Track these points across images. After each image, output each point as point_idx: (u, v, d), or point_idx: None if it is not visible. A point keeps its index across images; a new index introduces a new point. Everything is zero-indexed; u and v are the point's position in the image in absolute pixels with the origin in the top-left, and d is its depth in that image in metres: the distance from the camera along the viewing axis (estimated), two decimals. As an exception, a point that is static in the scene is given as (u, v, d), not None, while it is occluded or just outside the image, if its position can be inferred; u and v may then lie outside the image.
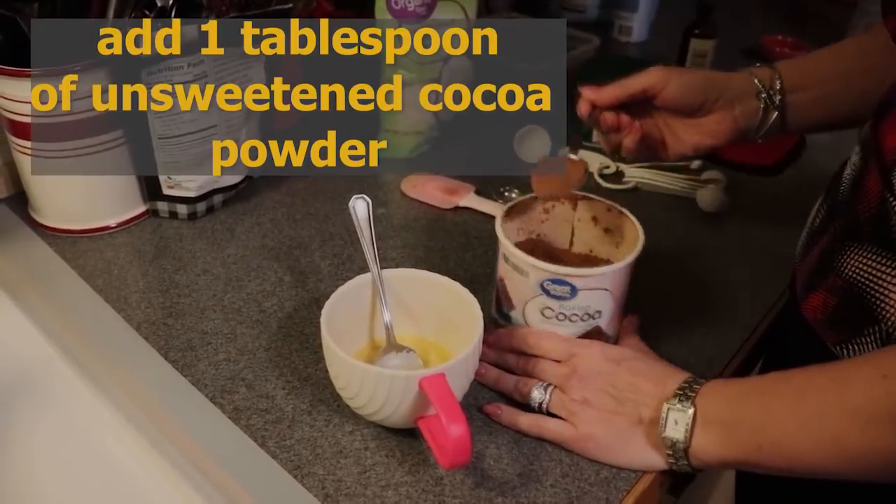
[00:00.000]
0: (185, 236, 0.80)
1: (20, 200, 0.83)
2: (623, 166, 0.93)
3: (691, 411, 0.53)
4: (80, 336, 0.67)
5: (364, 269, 0.63)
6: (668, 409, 0.54)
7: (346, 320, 0.61)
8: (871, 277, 0.55)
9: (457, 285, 0.62)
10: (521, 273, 0.62)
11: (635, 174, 0.92)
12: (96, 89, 0.73)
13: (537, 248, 0.69)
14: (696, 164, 0.94)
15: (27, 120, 0.74)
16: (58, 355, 0.65)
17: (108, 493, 0.55)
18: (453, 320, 0.63)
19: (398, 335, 0.63)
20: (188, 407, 0.61)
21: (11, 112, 0.74)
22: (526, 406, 0.61)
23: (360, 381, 0.55)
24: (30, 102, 0.72)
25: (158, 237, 0.80)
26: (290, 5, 0.80)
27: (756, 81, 0.70)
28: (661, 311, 0.72)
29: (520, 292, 0.63)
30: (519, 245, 0.64)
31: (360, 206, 0.65)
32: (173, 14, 0.81)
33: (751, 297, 0.75)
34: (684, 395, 0.54)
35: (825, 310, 0.60)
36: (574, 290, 0.61)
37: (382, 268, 0.64)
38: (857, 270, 0.56)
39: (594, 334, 0.64)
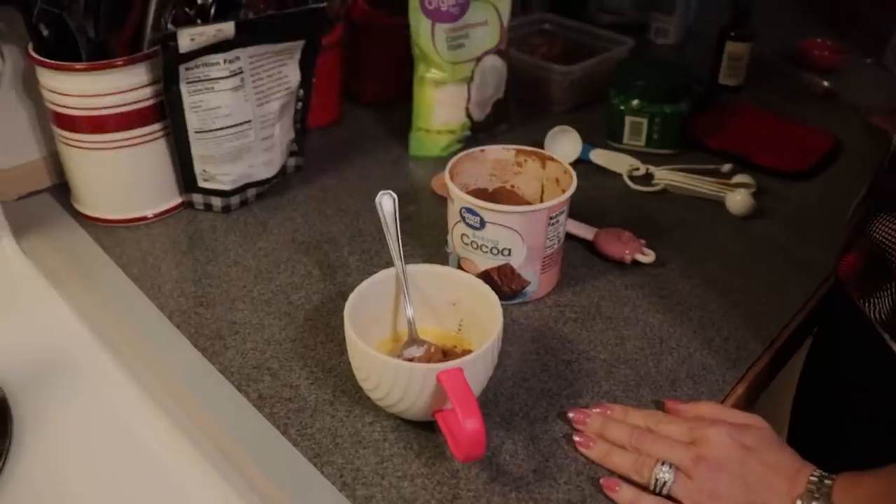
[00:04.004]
0: (218, 228, 0.83)
1: (63, 190, 0.86)
2: (652, 168, 0.93)
3: None
4: (114, 322, 0.69)
5: (391, 264, 0.65)
6: None
7: (370, 313, 0.63)
8: (893, 241, 0.61)
9: (479, 282, 0.64)
10: (451, 200, 0.71)
11: (664, 176, 0.92)
12: (137, 84, 0.76)
13: (510, 197, 0.78)
14: (726, 167, 0.94)
15: (72, 112, 0.76)
16: (93, 339, 0.67)
17: (134, 471, 0.57)
18: (475, 316, 0.64)
19: (421, 329, 0.65)
20: (215, 393, 0.63)
21: (57, 105, 0.77)
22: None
23: (380, 372, 0.57)
24: (75, 95, 0.75)
25: (193, 228, 0.83)
26: (325, 3, 0.82)
27: None
28: (684, 312, 0.73)
29: (450, 217, 0.72)
30: (495, 191, 0.77)
31: (386, 202, 0.67)
32: (213, 11, 0.83)
33: (775, 302, 0.75)
34: (818, 493, 0.53)
35: (855, 269, 0.67)
36: (483, 222, 0.69)
37: (409, 263, 0.65)
38: (884, 235, 0.62)
39: (507, 271, 0.71)
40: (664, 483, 0.55)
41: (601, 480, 0.57)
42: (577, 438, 0.60)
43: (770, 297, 0.76)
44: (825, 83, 1.17)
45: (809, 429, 0.78)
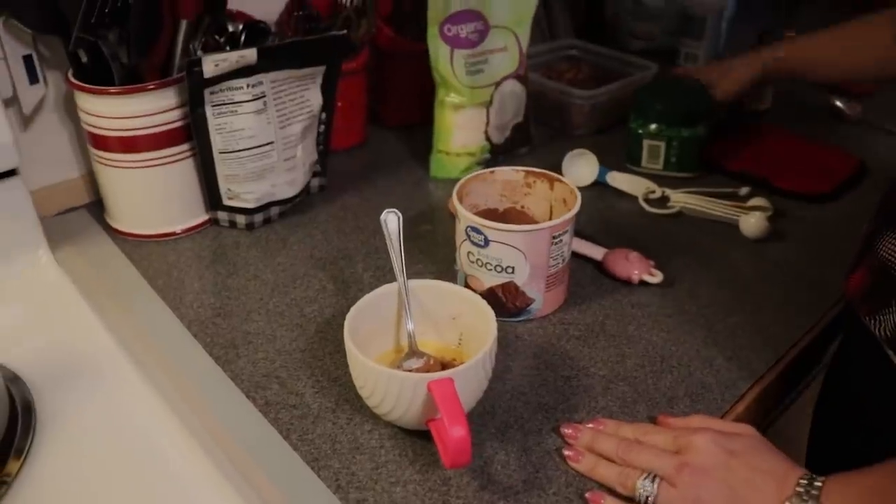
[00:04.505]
0: (241, 244, 0.87)
1: (99, 207, 0.91)
2: (668, 191, 0.94)
3: None
4: (136, 329, 0.73)
5: (399, 279, 0.67)
6: None
7: (372, 325, 0.65)
8: None
9: (476, 297, 0.66)
10: (458, 219, 0.73)
11: (680, 199, 0.93)
12: (166, 107, 0.81)
13: (519, 217, 0.80)
14: (744, 190, 0.94)
15: (105, 133, 0.81)
16: (115, 345, 0.71)
17: (145, 469, 0.60)
18: (474, 331, 0.66)
19: (422, 343, 0.67)
20: (224, 399, 0.66)
21: (93, 126, 0.82)
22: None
23: (375, 380, 0.59)
24: (108, 117, 0.80)
25: (217, 244, 0.87)
26: (345, 31, 0.85)
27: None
28: (688, 332, 0.74)
29: (457, 235, 0.75)
30: (505, 211, 0.80)
31: (391, 220, 0.70)
32: (243, 39, 0.88)
33: (783, 323, 0.75)
34: (808, 495, 0.53)
35: (862, 287, 0.67)
36: (487, 241, 0.71)
37: (416, 279, 0.68)
38: (890, 253, 0.63)
39: (511, 288, 0.73)
40: (647, 496, 0.56)
41: (587, 494, 0.58)
42: (566, 452, 0.61)
43: (778, 317, 0.76)
44: (855, 107, 1.17)
45: (827, 451, 0.78)
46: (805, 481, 0.54)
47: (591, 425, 0.63)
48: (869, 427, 0.70)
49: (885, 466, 0.53)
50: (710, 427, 0.60)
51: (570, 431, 0.62)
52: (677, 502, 0.55)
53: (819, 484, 0.53)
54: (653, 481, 0.56)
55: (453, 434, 0.54)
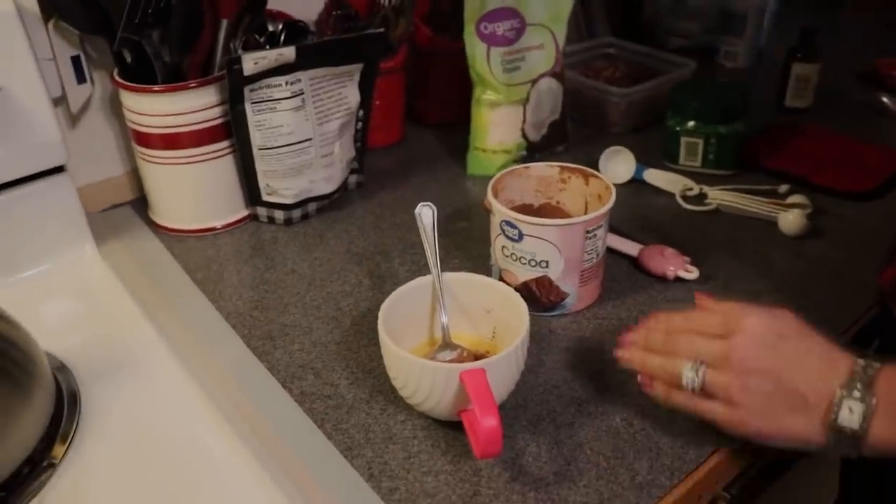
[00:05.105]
0: (279, 239, 0.88)
1: (143, 203, 0.93)
2: (706, 188, 0.94)
3: (873, 401, 0.50)
4: (176, 321, 0.75)
5: (435, 273, 0.68)
6: (843, 396, 0.51)
7: (406, 318, 0.66)
8: None
9: (509, 289, 0.66)
10: (493, 214, 0.74)
11: (717, 196, 0.92)
12: (207, 104, 0.83)
13: (554, 213, 0.80)
14: (783, 188, 0.93)
15: (149, 130, 0.84)
16: (157, 336, 0.73)
17: (183, 456, 0.61)
18: (508, 324, 0.66)
19: (456, 335, 0.68)
20: (261, 388, 0.68)
21: (137, 124, 0.84)
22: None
23: (408, 370, 0.60)
24: (151, 115, 0.82)
25: (256, 239, 0.88)
26: (382, 29, 0.86)
27: None
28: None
29: (492, 230, 0.75)
30: (541, 207, 0.80)
31: (425, 213, 0.70)
32: (283, 38, 0.90)
33: (819, 319, 0.73)
34: (861, 381, 0.51)
35: (893, 280, 0.66)
36: (521, 235, 0.71)
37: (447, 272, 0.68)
38: None
39: (546, 282, 0.73)
40: (692, 384, 0.56)
41: (638, 377, 0.60)
42: (618, 353, 0.62)
43: (814, 314, 0.73)
44: (900, 104, 1.15)
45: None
46: (860, 368, 0.52)
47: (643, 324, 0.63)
48: None
49: None
50: (757, 311, 0.57)
51: (625, 336, 0.63)
52: (722, 386, 0.55)
53: (873, 371, 0.51)
54: (697, 370, 0.56)
55: (484, 424, 0.54)
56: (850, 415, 0.51)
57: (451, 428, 0.63)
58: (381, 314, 0.62)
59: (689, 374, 0.57)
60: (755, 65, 1.32)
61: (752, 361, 0.54)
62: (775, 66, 1.16)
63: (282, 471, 0.59)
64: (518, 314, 0.63)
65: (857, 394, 0.51)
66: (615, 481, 0.59)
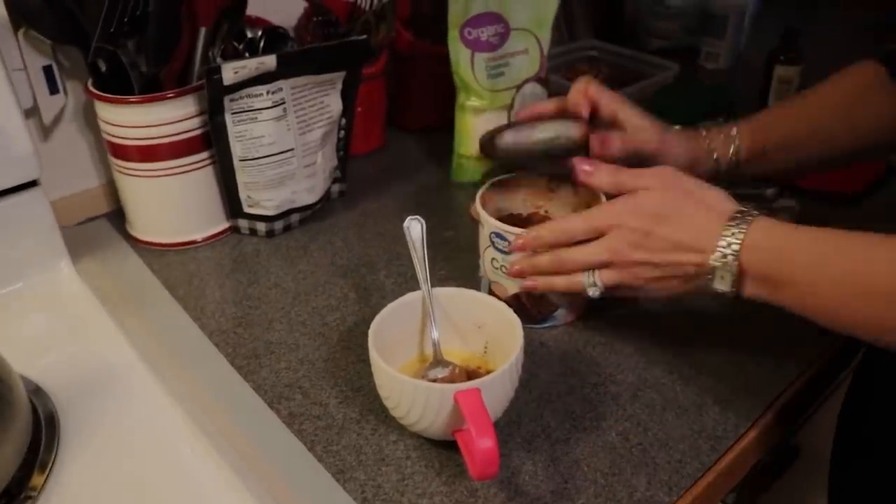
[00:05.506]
0: (261, 252, 0.86)
1: (119, 216, 0.91)
2: (693, 193, 0.93)
3: (738, 272, 0.58)
4: (157, 339, 0.73)
5: (422, 287, 0.67)
6: (714, 267, 0.58)
7: (396, 334, 0.65)
8: None
9: (501, 305, 0.65)
10: (481, 225, 0.72)
11: (704, 201, 0.91)
12: (186, 115, 0.80)
13: (542, 222, 0.76)
14: (770, 191, 0.93)
15: (125, 142, 0.81)
16: (137, 357, 0.70)
17: (168, 482, 0.59)
18: (500, 339, 0.65)
19: (448, 351, 0.66)
20: (247, 409, 0.66)
21: (113, 136, 0.82)
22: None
23: (401, 391, 0.58)
24: (128, 126, 0.80)
25: (238, 252, 0.86)
26: (365, 36, 0.85)
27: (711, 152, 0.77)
28: (716, 337, 0.72)
29: (481, 241, 0.73)
30: (529, 216, 0.77)
31: (414, 227, 0.69)
32: (262, 45, 0.87)
33: (811, 328, 0.73)
34: (731, 253, 0.57)
35: None
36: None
37: (444, 287, 0.67)
38: None
39: (535, 295, 0.72)
40: (595, 289, 0.64)
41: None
42: (524, 285, 0.69)
43: (805, 321, 0.74)
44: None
45: (850, 455, 0.76)
46: (727, 239, 0.57)
47: (519, 245, 0.68)
48: (892, 429, 0.69)
49: (821, 231, 0.56)
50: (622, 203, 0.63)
51: (512, 269, 0.69)
52: (620, 283, 0.63)
53: (740, 237, 0.57)
54: (595, 280, 0.64)
55: (481, 445, 0.53)
56: (722, 281, 0.58)
57: (445, 447, 0.61)
58: (370, 334, 0.61)
59: (589, 286, 0.64)
60: (735, 66, 1.32)
61: (629, 256, 0.61)
62: (750, 67, 1.16)
63: (271, 497, 0.57)
64: (511, 330, 0.62)
65: (728, 266, 0.57)
66: (614, 499, 0.57)
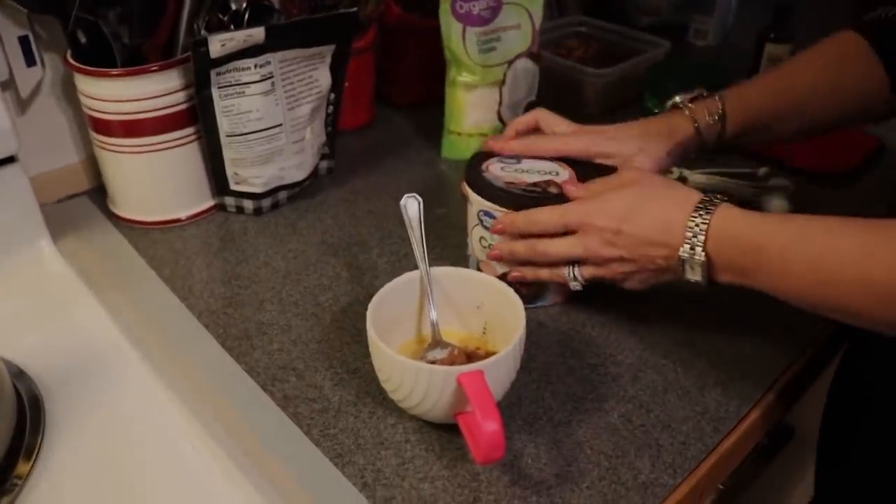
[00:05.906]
0: (249, 230, 0.84)
1: (100, 193, 0.88)
2: (686, 172, 0.92)
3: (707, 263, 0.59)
4: (145, 321, 0.71)
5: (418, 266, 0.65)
6: (684, 259, 0.59)
7: (394, 315, 0.63)
8: None
9: (503, 285, 0.63)
10: (469, 203, 0.71)
11: (698, 180, 0.90)
12: (170, 89, 0.77)
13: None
14: (762, 171, 0.92)
15: (107, 117, 0.78)
16: (124, 339, 0.68)
17: (160, 468, 0.58)
18: (500, 319, 0.64)
19: (446, 332, 0.65)
20: (240, 393, 0.64)
21: (94, 110, 0.79)
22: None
23: (401, 374, 0.57)
24: (110, 100, 0.77)
25: (224, 230, 0.84)
26: (355, 9, 0.82)
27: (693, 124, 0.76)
28: (715, 318, 0.72)
29: (469, 220, 0.72)
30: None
31: (411, 205, 0.67)
32: (247, 17, 0.84)
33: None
34: (698, 244, 0.58)
35: None
36: None
37: (437, 265, 0.65)
38: None
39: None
40: (578, 280, 0.66)
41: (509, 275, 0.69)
42: (511, 275, 0.69)
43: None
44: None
45: (838, 433, 0.76)
46: (691, 233, 0.58)
47: (498, 228, 0.68)
48: (880, 410, 0.69)
49: (785, 218, 0.58)
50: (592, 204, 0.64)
51: (491, 253, 0.70)
52: (600, 277, 0.65)
53: (704, 232, 0.58)
54: (574, 273, 0.66)
55: (486, 429, 0.52)
56: (693, 272, 0.60)
57: (445, 430, 0.60)
58: (368, 315, 0.59)
59: (570, 280, 0.66)
60: (724, 43, 1.31)
61: (602, 253, 0.63)
62: (740, 44, 1.15)
63: (268, 482, 0.56)
64: (513, 310, 0.61)
65: (696, 257, 0.58)
66: (618, 481, 0.57)
